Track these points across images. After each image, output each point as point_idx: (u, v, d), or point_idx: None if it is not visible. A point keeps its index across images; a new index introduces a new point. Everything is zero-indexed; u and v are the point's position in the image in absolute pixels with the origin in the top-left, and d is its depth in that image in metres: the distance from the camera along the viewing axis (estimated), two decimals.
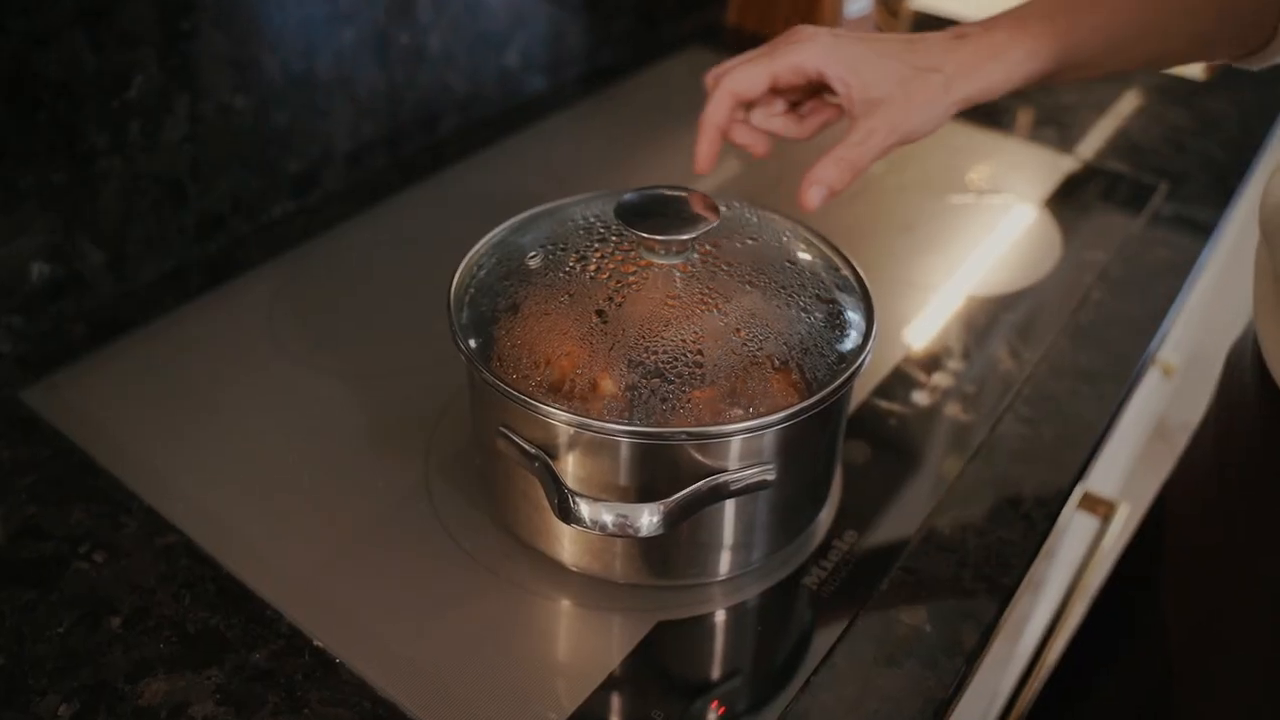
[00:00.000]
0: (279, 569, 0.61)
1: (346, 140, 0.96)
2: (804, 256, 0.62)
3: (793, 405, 0.53)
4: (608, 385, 0.53)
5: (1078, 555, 0.93)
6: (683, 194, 0.59)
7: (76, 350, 0.78)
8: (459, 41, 1.03)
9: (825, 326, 0.57)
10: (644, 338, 0.54)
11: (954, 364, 0.79)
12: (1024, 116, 1.15)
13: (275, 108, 0.89)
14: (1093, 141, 1.10)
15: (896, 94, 0.59)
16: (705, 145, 0.63)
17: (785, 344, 0.55)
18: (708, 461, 0.53)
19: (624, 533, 0.50)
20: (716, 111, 0.62)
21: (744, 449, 0.54)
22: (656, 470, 0.54)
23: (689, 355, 0.53)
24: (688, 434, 0.52)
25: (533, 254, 0.60)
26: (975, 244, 0.94)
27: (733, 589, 0.61)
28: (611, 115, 1.15)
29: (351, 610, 0.59)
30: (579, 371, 0.53)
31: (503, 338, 0.56)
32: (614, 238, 0.59)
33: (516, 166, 1.04)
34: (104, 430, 0.71)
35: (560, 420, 0.52)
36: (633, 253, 0.57)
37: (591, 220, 0.61)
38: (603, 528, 0.50)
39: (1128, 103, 1.18)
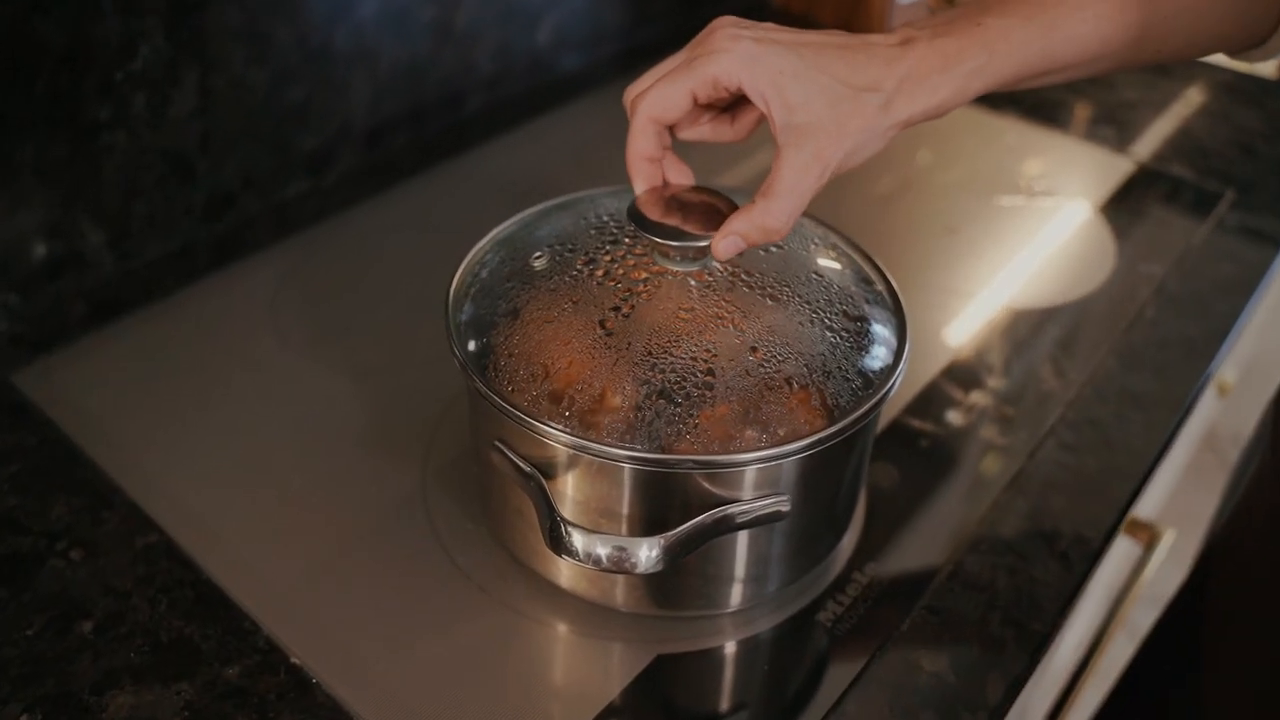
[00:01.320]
0: (262, 576, 0.58)
1: (365, 118, 0.93)
2: (833, 267, 0.57)
3: (812, 433, 0.48)
4: (610, 403, 0.48)
5: (1117, 584, 0.87)
6: (703, 195, 0.54)
7: (74, 331, 0.75)
8: (488, 16, 0.99)
9: (852, 347, 0.52)
10: (651, 353, 0.49)
11: (993, 381, 0.74)
12: (1080, 113, 1.09)
13: (290, 82, 0.85)
14: (1153, 142, 1.03)
15: (826, 119, 0.48)
16: (641, 184, 0.54)
17: (806, 365, 0.50)
18: (717, 491, 0.49)
19: (620, 568, 0.46)
20: (641, 143, 0.53)
21: (758, 478, 0.49)
22: (660, 498, 0.50)
23: (699, 374, 0.49)
24: (695, 463, 0.47)
25: (539, 254, 0.55)
26: (1022, 250, 0.88)
27: (741, 621, 0.57)
28: None
29: (333, 625, 0.56)
30: (578, 387, 0.49)
31: (501, 345, 0.52)
32: (627, 239, 0.55)
33: (544, 150, 1.00)
34: (94, 418, 0.68)
35: (558, 441, 0.48)
36: (645, 258, 0.53)
37: (605, 219, 0.57)
38: (596, 561, 0.46)
39: (1192, 101, 1.11)
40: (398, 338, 0.76)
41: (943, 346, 0.77)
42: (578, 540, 0.46)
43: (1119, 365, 0.75)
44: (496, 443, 0.52)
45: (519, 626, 0.56)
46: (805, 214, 0.60)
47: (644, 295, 0.52)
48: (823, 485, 0.54)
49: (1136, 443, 0.69)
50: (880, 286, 0.57)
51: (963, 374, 0.74)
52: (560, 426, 0.48)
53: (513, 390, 0.50)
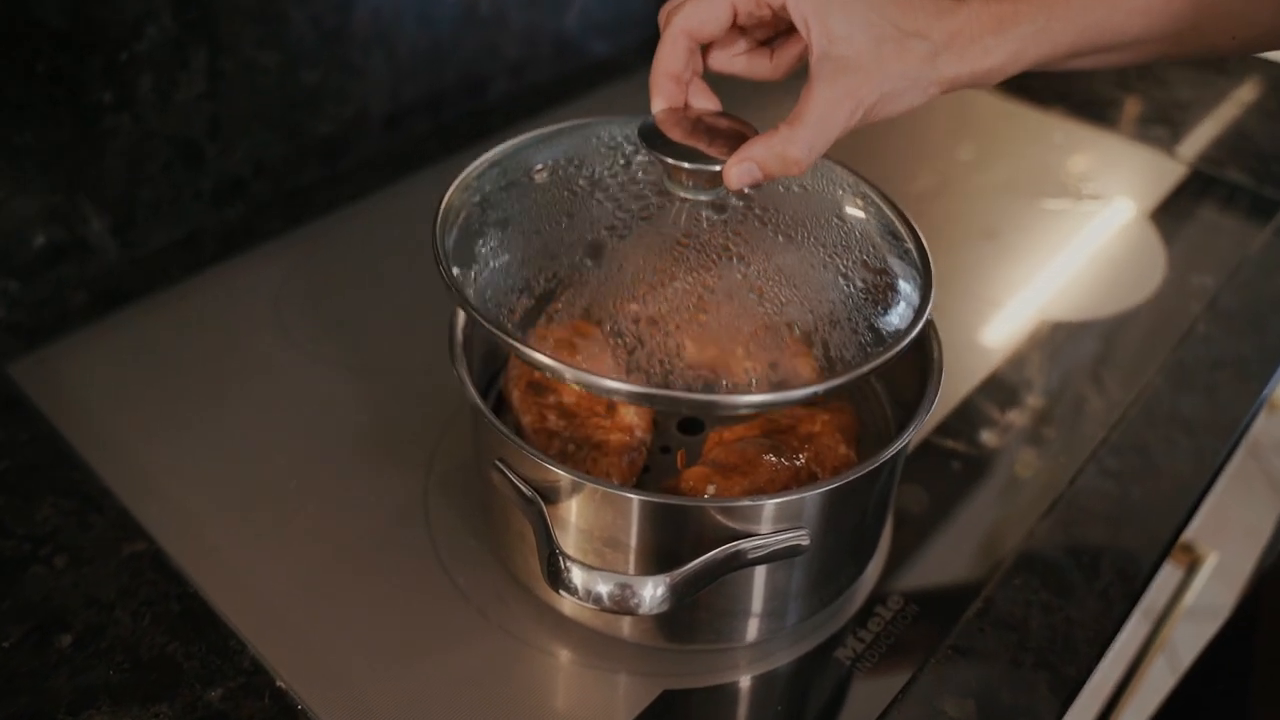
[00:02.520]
0: (250, 590, 0.55)
1: (383, 103, 0.89)
2: (858, 215, 0.52)
3: (836, 478, 0.45)
4: (588, 328, 0.44)
5: (1156, 607, 0.83)
6: (728, 121, 0.49)
7: (74, 321, 0.72)
8: None
9: (866, 300, 0.47)
10: (642, 279, 0.45)
11: (1032, 399, 0.70)
12: (1131, 110, 1.03)
13: (304, 65, 0.82)
14: (1208, 144, 0.98)
15: (866, 55, 0.45)
16: (661, 102, 0.50)
17: (812, 311, 0.46)
18: (731, 524, 0.45)
19: (622, 609, 0.43)
20: (670, 57, 0.49)
21: (777, 512, 0.46)
22: (670, 530, 0.46)
23: (689, 308, 0.44)
24: (709, 502, 0.44)
25: (540, 168, 0.52)
26: (1065, 257, 0.84)
27: (755, 656, 0.53)
28: None
29: (323, 646, 0.53)
30: (559, 308, 0.45)
31: (485, 255, 0.48)
32: (639, 159, 0.50)
33: None
34: (88, 414, 0.65)
35: (559, 474, 0.45)
36: (655, 182, 0.49)
37: (620, 140, 0.53)
38: (597, 601, 0.42)
39: (1249, 100, 1.05)
40: (406, 336, 0.73)
41: (978, 360, 0.72)
42: (577, 577, 0.43)
43: (1167, 385, 0.70)
44: (497, 462, 0.49)
45: (518, 654, 0.53)
46: (836, 159, 0.56)
47: (645, 219, 0.47)
48: (846, 516, 0.50)
49: (1185, 470, 0.64)
50: (910, 244, 0.52)
51: (999, 390, 0.70)
52: (563, 466, 0.45)
53: (495, 305, 0.46)
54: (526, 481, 0.47)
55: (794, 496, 0.45)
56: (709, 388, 0.43)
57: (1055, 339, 0.75)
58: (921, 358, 0.54)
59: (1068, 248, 0.85)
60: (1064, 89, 1.05)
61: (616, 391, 0.43)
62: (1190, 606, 0.77)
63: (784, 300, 0.46)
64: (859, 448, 0.57)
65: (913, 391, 0.55)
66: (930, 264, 0.51)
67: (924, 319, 0.48)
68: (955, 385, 0.70)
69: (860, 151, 0.95)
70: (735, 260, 0.46)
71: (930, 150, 0.97)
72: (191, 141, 0.77)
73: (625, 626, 0.52)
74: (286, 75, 0.81)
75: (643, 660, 0.53)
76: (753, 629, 0.52)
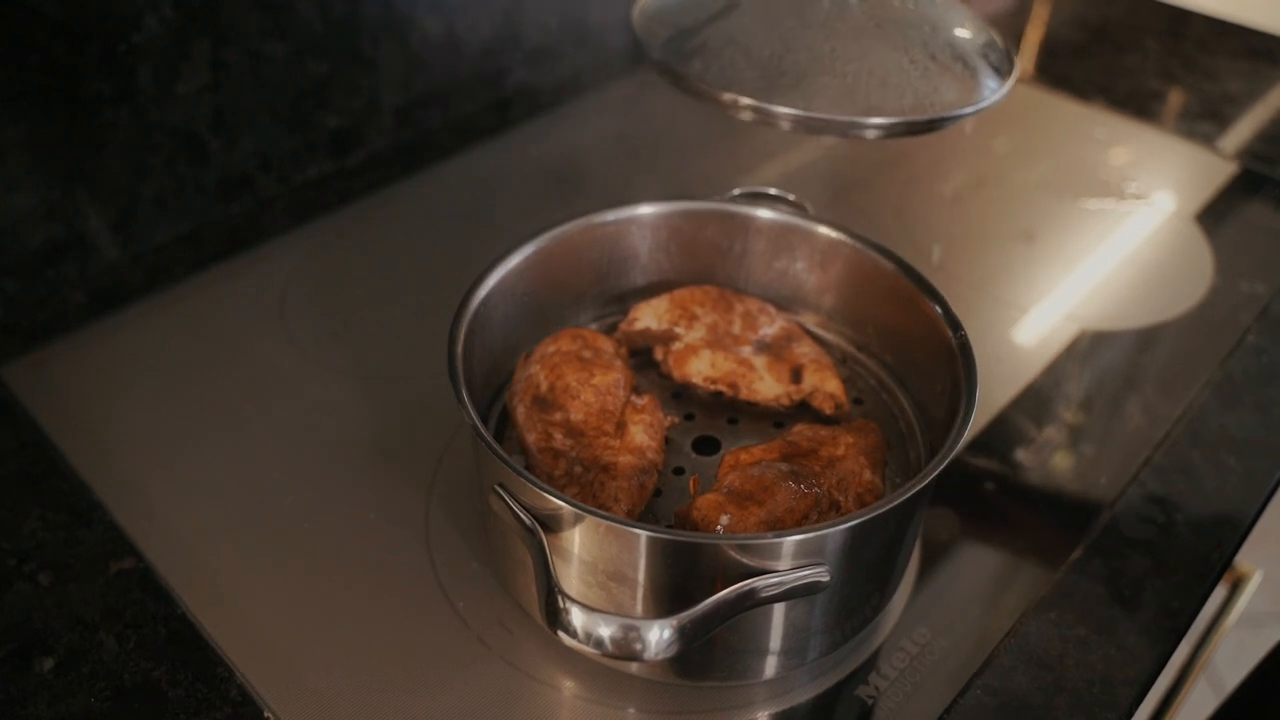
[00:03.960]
0: (240, 613, 0.53)
1: (395, 94, 0.86)
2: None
3: (860, 513, 0.42)
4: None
5: (1198, 628, 0.79)
6: None
7: (71, 321, 0.70)
8: None
9: (920, 76, 0.52)
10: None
11: (1070, 415, 0.66)
12: (1175, 103, 0.98)
13: (312, 55, 0.79)
14: (1259, 140, 0.93)
15: None
16: None
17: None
18: (746, 560, 0.42)
19: (626, 654, 0.39)
20: None
21: (795, 549, 0.42)
22: (680, 566, 0.43)
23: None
24: (720, 539, 0.41)
25: None
26: (1106, 261, 0.79)
27: (772, 694, 0.50)
28: None
29: (314, 675, 0.50)
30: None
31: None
32: None
33: (593, 132, 0.92)
34: (82, 421, 0.63)
35: (560, 504, 0.42)
36: None
37: None
38: (598, 644, 0.39)
39: None
40: (416, 339, 0.70)
41: (1012, 371, 0.68)
42: (577, 618, 0.40)
43: (1216, 401, 0.66)
44: (497, 487, 0.46)
45: (520, 687, 0.50)
46: None
47: None
48: (870, 549, 0.47)
49: (1234, 497, 0.60)
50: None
51: (1034, 405, 0.66)
52: (565, 496, 0.42)
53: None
54: (527, 509, 0.44)
55: (813, 534, 0.41)
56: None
57: (1095, 350, 0.71)
58: (952, 373, 0.50)
59: (1108, 251, 0.80)
60: (1105, 80, 1.01)
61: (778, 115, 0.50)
62: (1236, 635, 0.73)
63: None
64: (886, 471, 0.53)
65: (943, 408, 0.52)
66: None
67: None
68: (989, 398, 0.66)
69: (891, 149, 0.92)
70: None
71: (965, 145, 0.93)
72: (194, 135, 0.75)
73: (634, 661, 0.48)
74: (293, 66, 0.78)
75: (653, 697, 0.50)
76: (770, 666, 0.49)
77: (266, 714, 0.49)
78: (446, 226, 0.80)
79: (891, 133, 0.54)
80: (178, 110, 0.73)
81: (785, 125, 0.54)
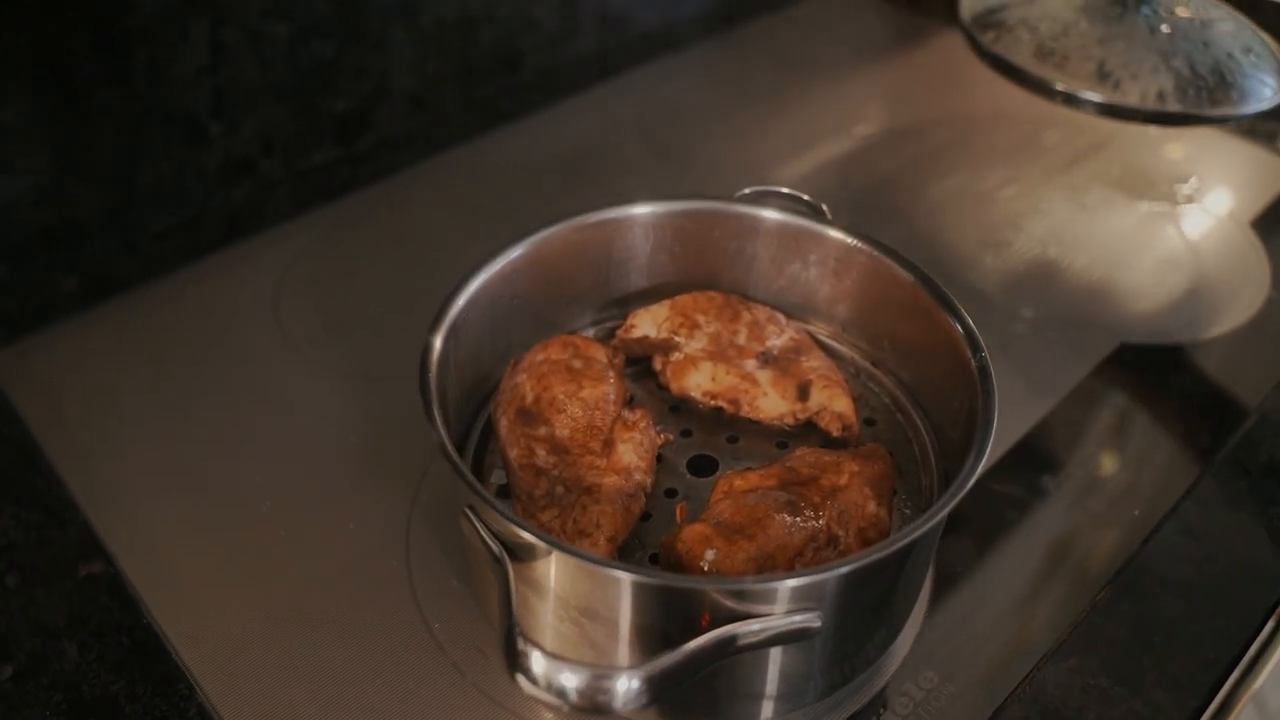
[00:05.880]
0: (207, 624, 0.50)
1: (406, 77, 0.83)
2: None
3: (856, 558, 0.38)
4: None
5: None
6: None
7: (62, 309, 0.68)
8: None
9: None
10: None
11: (1103, 438, 0.61)
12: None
13: (317, 36, 0.76)
14: None
15: None
16: None
17: None
18: (729, 604, 0.39)
19: (591, 706, 0.36)
20: None
21: (784, 593, 0.39)
22: (656, 608, 0.39)
23: None
24: (698, 583, 0.37)
25: None
26: (1153, 269, 0.74)
27: None
28: (734, 63, 0.98)
29: (277, 696, 0.48)
30: None
31: None
32: None
33: (612, 120, 0.89)
34: (64, 415, 0.61)
35: (528, 537, 0.38)
36: None
37: None
38: (560, 694, 0.36)
39: None
40: (411, 339, 0.66)
41: (1044, 388, 0.64)
42: (538, 664, 0.36)
43: (1268, 427, 0.61)
44: (466, 509, 0.43)
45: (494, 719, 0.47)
46: None
47: None
48: (872, 591, 0.43)
49: None
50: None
51: (1067, 426, 0.61)
52: (533, 528, 0.38)
53: None
54: (496, 536, 0.41)
55: (802, 581, 0.37)
56: None
57: (1140, 365, 0.66)
58: (970, 397, 0.46)
59: (1156, 258, 0.75)
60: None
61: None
62: None
63: None
64: (895, 501, 0.49)
65: (960, 432, 0.48)
66: None
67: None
68: (1016, 416, 0.61)
69: (928, 144, 0.86)
70: None
71: (1007, 139, 0.88)
72: (192, 118, 0.72)
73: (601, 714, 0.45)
74: (297, 47, 0.75)
75: None
76: (766, 710, 0.45)
77: None
78: (456, 217, 0.77)
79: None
80: (175, 93, 0.70)
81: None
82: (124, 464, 0.58)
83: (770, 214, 0.55)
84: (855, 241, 0.53)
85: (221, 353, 0.65)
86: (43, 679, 0.48)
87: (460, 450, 0.52)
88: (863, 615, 0.43)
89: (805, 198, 0.56)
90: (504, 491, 0.50)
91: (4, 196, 0.66)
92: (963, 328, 0.48)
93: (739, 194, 0.56)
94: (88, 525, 0.55)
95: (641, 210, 0.54)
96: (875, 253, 0.53)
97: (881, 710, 0.47)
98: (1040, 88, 0.74)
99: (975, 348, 0.47)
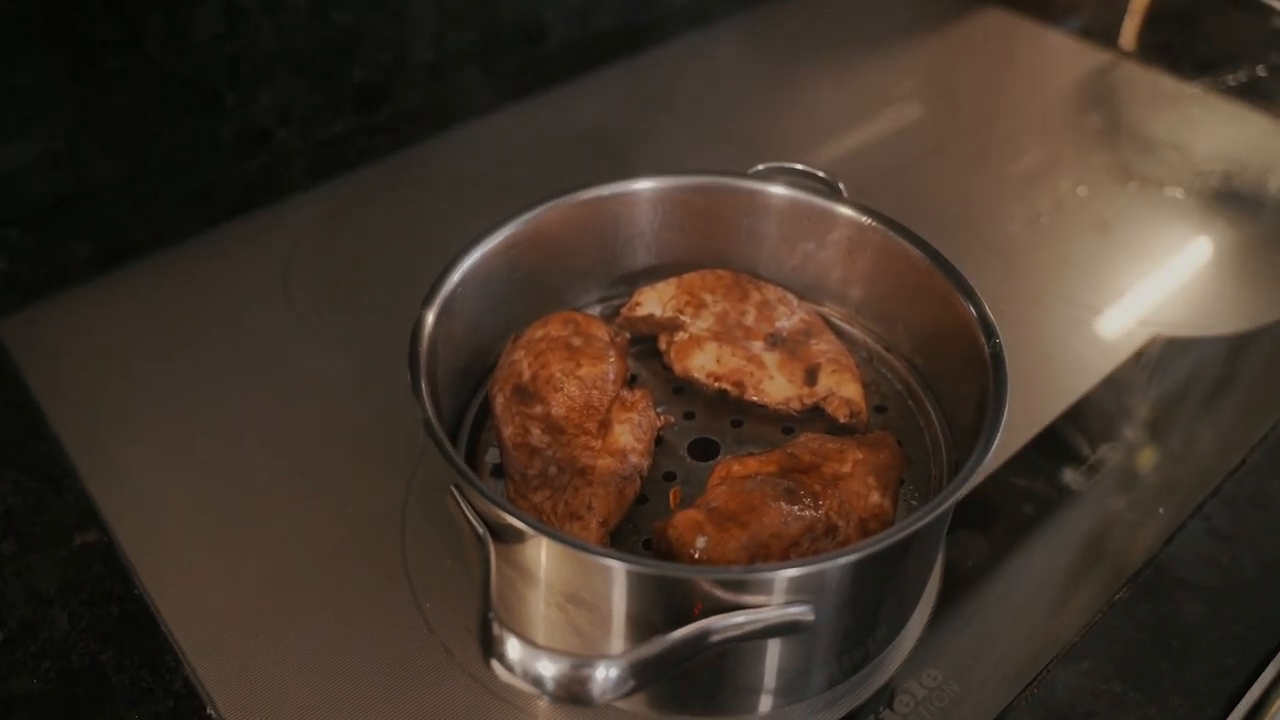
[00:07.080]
0: (199, 596, 0.50)
1: (426, 49, 0.82)
2: None
3: (851, 549, 0.37)
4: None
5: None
6: None
7: (74, 275, 0.67)
8: None
9: None
10: None
11: (1130, 432, 0.59)
12: (1274, 86, 0.88)
13: (335, 4, 0.75)
14: None
15: None
16: None
17: None
18: (717, 593, 0.37)
19: (568, 696, 0.35)
20: None
21: (773, 584, 0.37)
22: (642, 595, 0.38)
23: None
24: (682, 570, 0.36)
25: None
26: (1187, 258, 0.71)
27: None
28: (762, 39, 0.96)
29: (264, 672, 0.47)
30: None
31: None
32: None
33: (639, 95, 0.87)
34: (70, 381, 0.61)
35: (511, 520, 0.37)
36: None
37: None
38: (537, 683, 0.35)
39: None
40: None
41: (1069, 378, 0.61)
42: (513, 652, 0.35)
43: None
44: (453, 488, 0.41)
45: (483, 707, 0.46)
46: None
47: None
48: (871, 585, 0.41)
49: None
50: None
51: (1091, 418, 0.59)
52: (515, 511, 0.37)
53: None
54: (480, 516, 0.40)
55: (793, 572, 0.36)
56: None
57: (1167, 358, 0.63)
58: (982, 385, 0.44)
59: (1190, 247, 0.72)
60: (1208, 55, 0.91)
61: None
62: None
63: None
64: (902, 491, 0.47)
65: (972, 419, 0.46)
66: None
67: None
68: (1039, 408, 0.59)
69: (962, 123, 0.84)
70: None
71: (1041, 119, 0.85)
72: (208, 86, 0.71)
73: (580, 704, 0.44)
74: (315, 15, 0.74)
75: None
76: (764, 703, 0.44)
77: (209, 710, 0.45)
78: (473, 192, 0.76)
79: None
80: (190, 60, 0.70)
81: None
82: (125, 434, 0.58)
83: (781, 190, 0.53)
84: (868, 220, 0.51)
85: (229, 325, 0.65)
86: (32, 646, 0.48)
87: (457, 428, 0.51)
88: (862, 609, 0.42)
89: (820, 174, 0.54)
90: (499, 471, 0.49)
91: (18, 161, 0.65)
92: (977, 312, 0.46)
93: (752, 170, 0.54)
94: (86, 494, 0.55)
95: (647, 185, 0.52)
96: (889, 232, 0.51)
97: (882, 708, 0.46)
98: None
99: (989, 333, 0.45)
